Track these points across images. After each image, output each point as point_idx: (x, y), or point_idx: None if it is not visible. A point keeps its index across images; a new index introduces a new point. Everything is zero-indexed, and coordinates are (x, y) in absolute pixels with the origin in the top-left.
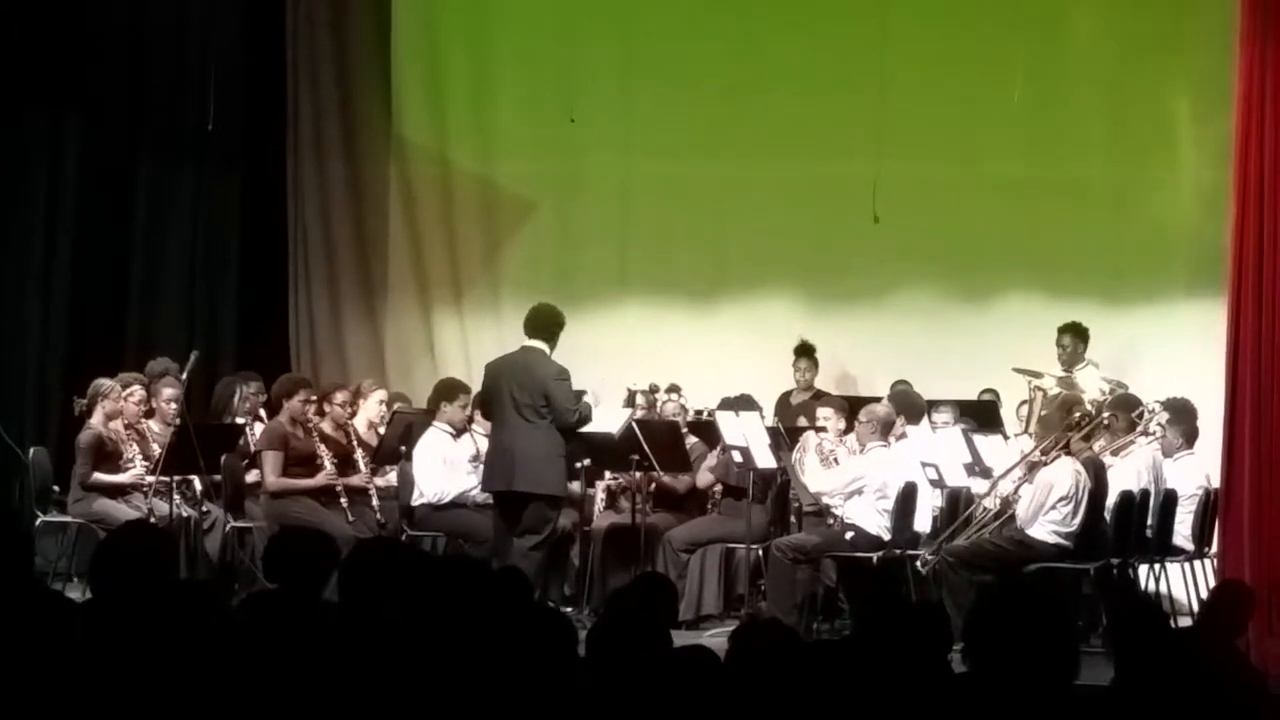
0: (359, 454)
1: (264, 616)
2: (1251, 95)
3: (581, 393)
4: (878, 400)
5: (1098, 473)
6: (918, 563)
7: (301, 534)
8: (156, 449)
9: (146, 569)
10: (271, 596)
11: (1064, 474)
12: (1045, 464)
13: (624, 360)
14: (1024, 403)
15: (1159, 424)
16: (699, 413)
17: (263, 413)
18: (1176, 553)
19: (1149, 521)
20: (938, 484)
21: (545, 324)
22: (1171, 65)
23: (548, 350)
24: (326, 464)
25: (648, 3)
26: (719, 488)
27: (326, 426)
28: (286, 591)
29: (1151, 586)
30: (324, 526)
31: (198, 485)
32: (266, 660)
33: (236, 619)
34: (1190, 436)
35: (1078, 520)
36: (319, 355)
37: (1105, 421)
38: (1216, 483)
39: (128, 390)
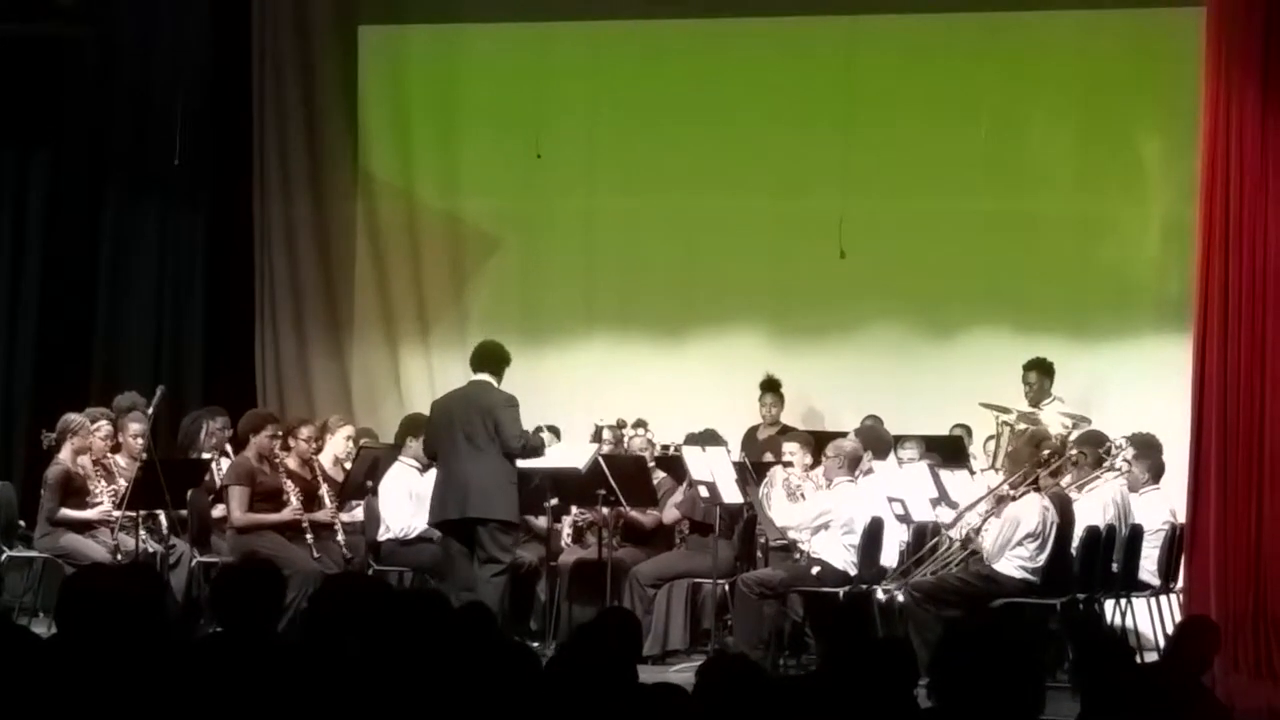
0: (324, 489)
1: (220, 655)
2: (1217, 132)
3: (549, 430)
4: (844, 435)
5: (1064, 508)
6: (879, 593)
7: (244, 572)
8: (123, 484)
9: (117, 606)
10: (225, 635)
11: (1031, 510)
12: (1013, 499)
13: (590, 395)
14: (991, 438)
15: (1125, 459)
16: (666, 448)
17: (229, 448)
18: (1142, 588)
19: (1115, 557)
20: (904, 519)
21: (494, 359)
22: (1138, 101)
23: (495, 383)
24: (292, 499)
25: (613, 40)
26: (685, 523)
27: (292, 462)
28: (236, 630)
29: (1117, 622)
30: (289, 562)
31: (164, 520)
32: (227, 698)
33: (197, 656)
34: (1156, 472)
35: (1044, 555)
36: (285, 390)
37: (1073, 458)
38: (1182, 518)
39: (95, 425)
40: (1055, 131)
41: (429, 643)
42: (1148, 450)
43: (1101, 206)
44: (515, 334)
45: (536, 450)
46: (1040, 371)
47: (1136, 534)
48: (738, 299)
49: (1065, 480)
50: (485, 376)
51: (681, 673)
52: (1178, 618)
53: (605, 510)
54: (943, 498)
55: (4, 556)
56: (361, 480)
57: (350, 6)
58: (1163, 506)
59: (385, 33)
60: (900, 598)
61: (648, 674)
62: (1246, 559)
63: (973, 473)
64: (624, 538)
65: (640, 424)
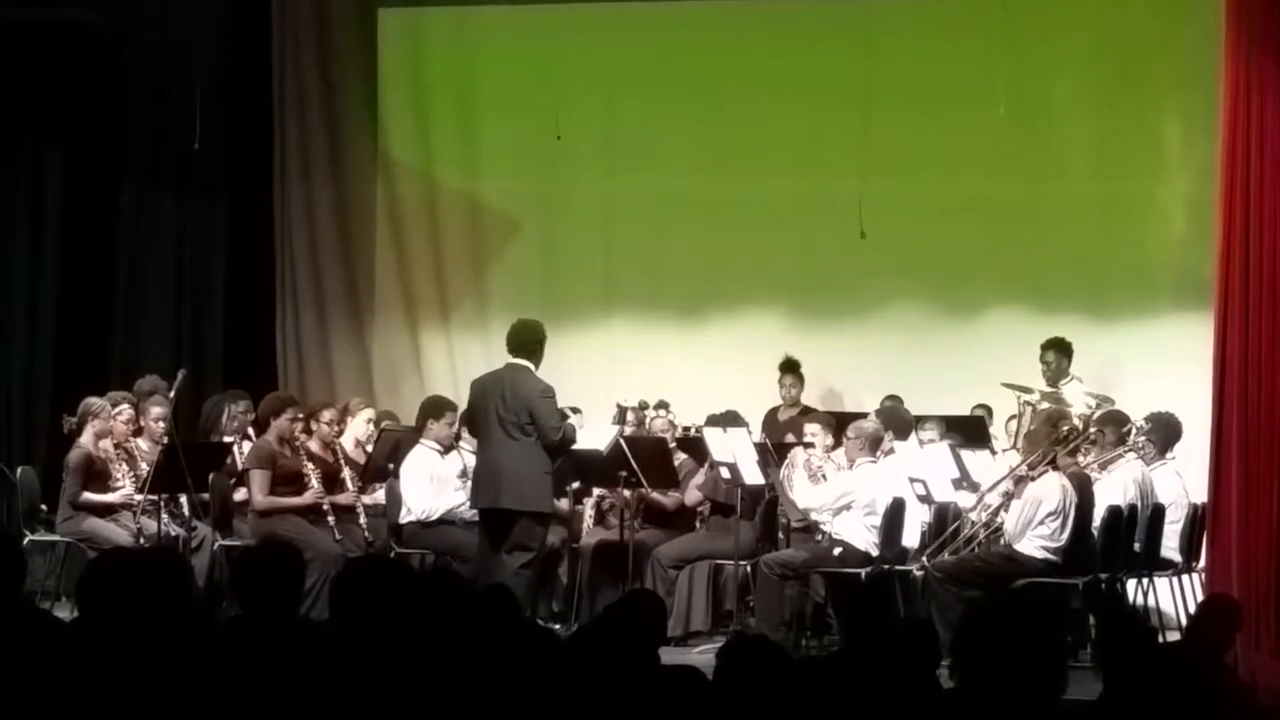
0: (346, 472)
1: (242, 637)
2: (1237, 112)
3: (571, 411)
4: (864, 416)
5: (1083, 487)
6: (914, 569)
7: (264, 554)
8: (145, 468)
9: (140, 590)
10: (247, 617)
11: (1051, 489)
12: (1032, 479)
13: (611, 377)
14: (1012, 417)
15: (1145, 437)
16: (687, 429)
17: (250, 431)
18: (1164, 567)
19: (1137, 536)
20: (925, 499)
21: (527, 340)
22: (1158, 82)
23: (533, 367)
24: (314, 482)
25: (632, 21)
26: (707, 504)
27: (314, 445)
28: (257, 612)
29: (1140, 601)
30: (311, 545)
31: (185, 504)
32: (252, 679)
33: (221, 639)
34: (1164, 446)
35: (1065, 535)
36: (306, 374)
37: (1092, 437)
38: (1197, 491)
39: (116, 409)
40: (1075, 112)
41: (451, 625)
42: (1159, 426)
43: (1121, 187)
44: (535, 316)
45: (570, 440)
46: (1058, 351)
47: (1158, 513)
48: (758, 280)
49: (1087, 460)
50: (522, 360)
51: (703, 654)
52: (1200, 597)
53: (627, 492)
54: (964, 478)
55: (26, 541)
56: (383, 463)
57: None
58: (1175, 480)
59: (404, 16)
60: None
61: (670, 655)
62: (1268, 538)
63: (994, 453)
64: (645, 519)
65: (662, 405)
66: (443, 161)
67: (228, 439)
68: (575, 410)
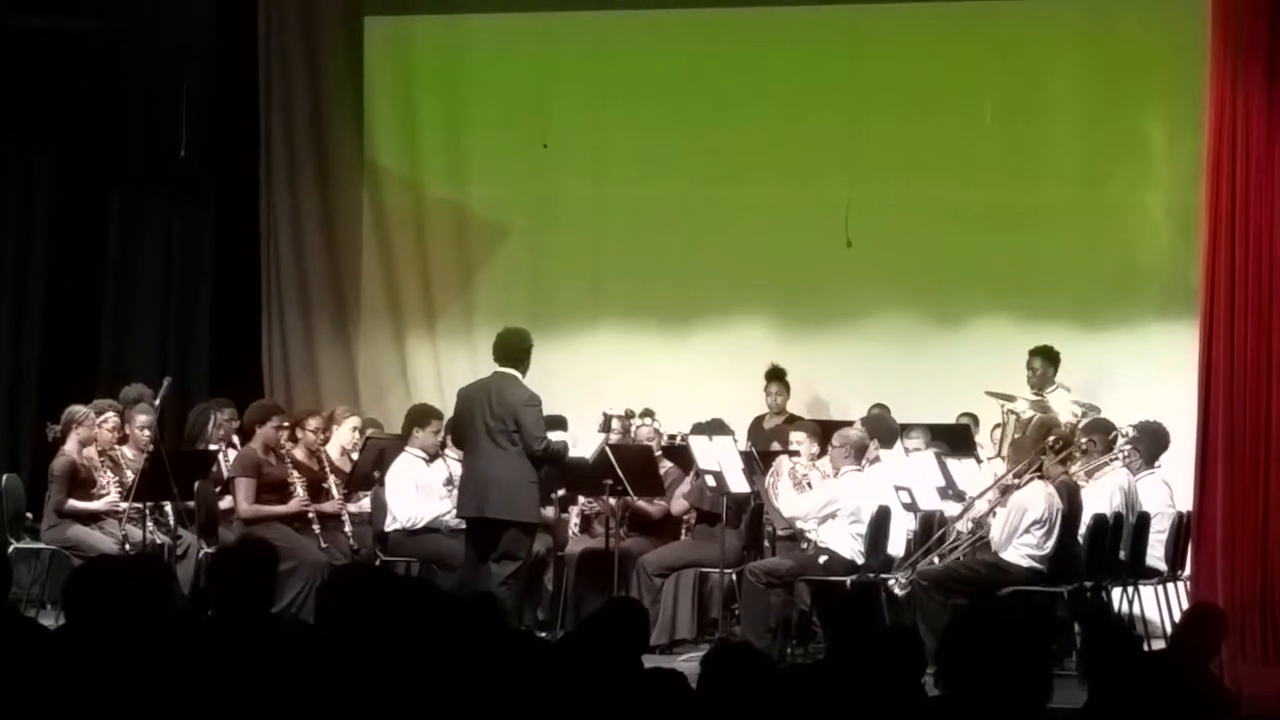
0: (332, 480)
1: (217, 638)
2: (1222, 117)
3: (561, 419)
4: (850, 424)
5: (1070, 496)
6: (895, 587)
7: (236, 553)
8: (130, 475)
9: (125, 597)
10: (221, 618)
11: (1037, 497)
12: (1018, 487)
13: (597, 385)
14: (997, 426)
15: (1129, 445)
16: (673, 437)
17: (236, 439)
18: (1150, 575)
19: (1122, 544)
20: (911, 508)
21: (514, 349)
22: (1143, 88)
23: (520, 375)
24: (299, 490)
25: (620, 29)
26: (693, 513)
27: (299, 453)
28: (231, 613)
29: (1125, 609)
30: (297, 553)
31: (170, 512)
32: (229, 679)
33: (203, 643)
34: (1151, 456)
35: (1051, 543)
36: (292, 381)
37: (1083, 446)
38: (1184, 502)
39: (102, 417)
40: (1061, 118)
41: (437, 632)
42: (1145, 435)
43: (1108, 193)
44: (522, 324)
45: (558, 455)
46: (1044, 358)
47: (1143, 521)
48: (744, 287)
49: (1073, 468)
50: (509, 369)
51: (689, 662)
52: (1185, 605)
53: (612, 500)
54: (950, 486)
55: (11, 549)
56: (368, 471)
57: None
58: (1162, 489)
59: (391, 23)
60: (898, 589)
61: (654, 663)
62: (1253, 545)
63: (979, 461)
64: (631, 527)
65: (647, 413)
66: (430, 169)
67: (213, 447)
68: (560, 423)
